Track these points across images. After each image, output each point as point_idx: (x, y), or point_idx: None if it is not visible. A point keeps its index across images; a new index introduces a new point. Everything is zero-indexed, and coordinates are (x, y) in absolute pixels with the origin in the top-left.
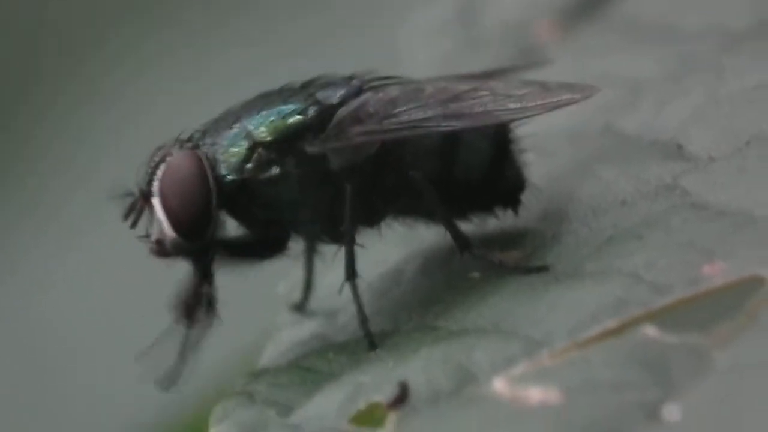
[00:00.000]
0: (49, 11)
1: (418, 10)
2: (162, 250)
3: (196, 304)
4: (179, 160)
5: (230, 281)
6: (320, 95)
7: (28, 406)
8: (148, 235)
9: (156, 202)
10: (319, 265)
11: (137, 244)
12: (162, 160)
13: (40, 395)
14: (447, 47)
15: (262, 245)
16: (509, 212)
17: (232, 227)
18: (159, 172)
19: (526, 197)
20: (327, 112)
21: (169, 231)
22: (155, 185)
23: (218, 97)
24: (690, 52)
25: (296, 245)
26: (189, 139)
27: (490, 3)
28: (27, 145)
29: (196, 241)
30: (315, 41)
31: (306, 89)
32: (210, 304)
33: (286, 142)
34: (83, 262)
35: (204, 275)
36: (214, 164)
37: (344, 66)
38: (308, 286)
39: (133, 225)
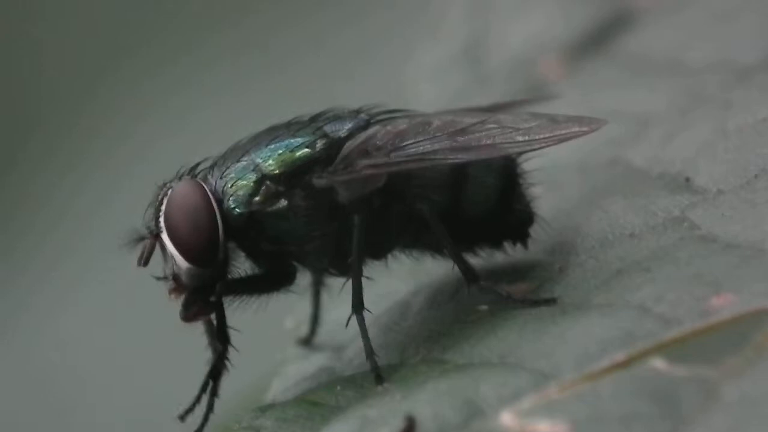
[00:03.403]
0: (47, 54)
1: (426, 45)
2: (179, 285)
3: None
4: (180, 189)
5: (238, 315)
6: (328, 128)
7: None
8: (165, 277)
9: (164, 236)
10: (326, 299)
11: (144, 285)
12: (165, 195)
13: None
14: (454, 82)
15: (270, 278)
16: (518, 246)
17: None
18: (163, 207)
19: (534, 230)
20: (335, 145)
21: (182, 262)
22: (161, 220)
23: (223, 134)
24: (697, 86)
25: (303, 279)
26: (190, 171)
27: (497, 39)
28: (36, 182)
29: (208, 267)
30: (323, 76)
31: (314, 122)
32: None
33: (294, 174)
34: (93, 299)
35: (219, 314)
36: (221, 196)
37: (352, 100)
38: (315, 320)
39: (145, 263)
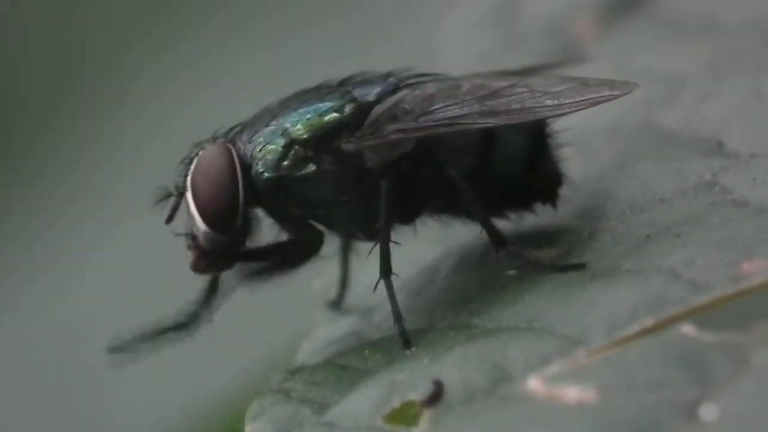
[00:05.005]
0: (76, 21)
1: (457, 7)
2: (196, 245)
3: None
4: (210, 152)
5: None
6: (357, 93)
7: (55, 405)
8: (185, 234)
9: (188, 195)
10: (355, 262)
11: (163, 250)
12: (196, 155)
13: (68, 395)
14: (485, 44)
15: (297, 247)
16: (547, 208)
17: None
18: (192, 167)
19: (563, 192)
20: (363, 109)
21: (200, 224)
22: (188, 180)
23: (253, 98)
24: (732, 48)
25: (332, 243)
26: (226, 134)
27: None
28: (56, 152)
29: (225, 233)
30: (351, 40)
31: (343, 87)
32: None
33: (322, 139)
34: (109, 266)
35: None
36: (249, 160)
37: (382, 64)
38: (344, 283)
39: (169, 220)
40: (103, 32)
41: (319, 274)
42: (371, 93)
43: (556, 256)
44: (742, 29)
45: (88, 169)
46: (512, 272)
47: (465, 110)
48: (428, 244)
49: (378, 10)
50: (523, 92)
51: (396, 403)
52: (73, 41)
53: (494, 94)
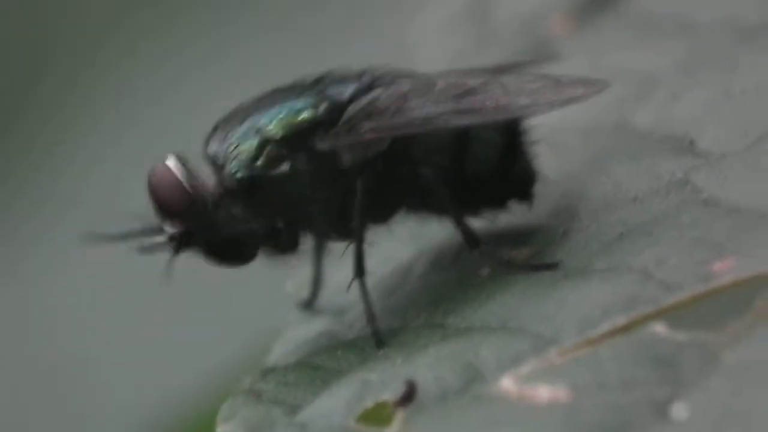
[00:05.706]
0: (45, 15)
1: (430, 4)
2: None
3: None
4: (154, 172)
5: (238, 279)
6: (331, 91)
7: (31, 406)
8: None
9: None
10: (328, 262)
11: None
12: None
13: (43, 396)
14: (458, 42)
15: (272, 242)
16: (521, 207)
17: None
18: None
19: (538, 191)
20: (338, 108)
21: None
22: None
23: (226, 95)
24: (704, 46)
25: (304, 242)
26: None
27: None
28: (29, 148)
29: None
30: (325, 37)
31: (317, 85)
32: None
33: (296, 138)
34: (86, 266)
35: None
36: (222, 160)
37: (355, 62)
38: (317, 283)
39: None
40: (61, 36)
41: (291, 274)
42: (345, 91)
43: (529, 255)
44: (714, 28)
45: (52, 176)
46: (485, 271)
47: (440, 109)
48: (402, 243)
49: (351, 8)
50: (497, 90)
51: (369, 403)
52: (41, 42)
53: (468, 93)
